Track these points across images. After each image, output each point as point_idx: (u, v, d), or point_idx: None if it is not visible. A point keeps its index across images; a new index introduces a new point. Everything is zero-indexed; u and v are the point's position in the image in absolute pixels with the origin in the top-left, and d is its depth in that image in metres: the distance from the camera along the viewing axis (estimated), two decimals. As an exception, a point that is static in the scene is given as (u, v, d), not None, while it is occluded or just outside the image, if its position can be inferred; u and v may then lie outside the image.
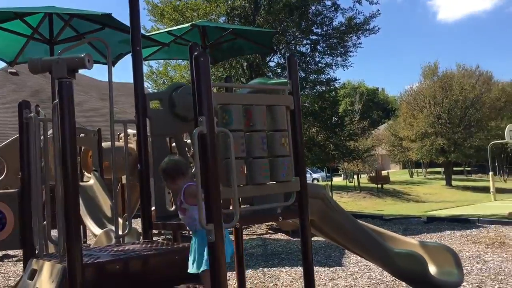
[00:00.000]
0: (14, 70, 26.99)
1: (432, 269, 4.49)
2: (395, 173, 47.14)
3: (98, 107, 24.98)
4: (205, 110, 2.74)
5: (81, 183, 10.85)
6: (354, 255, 6.31)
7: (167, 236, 9.39)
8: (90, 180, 10.97)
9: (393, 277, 5.49)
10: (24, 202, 3.68)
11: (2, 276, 7.29)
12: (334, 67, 19.72)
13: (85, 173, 11.44)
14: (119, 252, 3.48)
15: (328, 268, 6.65)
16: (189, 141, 7.28)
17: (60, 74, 3.05)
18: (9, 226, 3.68)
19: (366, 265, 6.59)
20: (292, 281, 6.02)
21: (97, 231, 9.01)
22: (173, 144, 6.79)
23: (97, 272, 3.08)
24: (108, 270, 3.12)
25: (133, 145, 6.65)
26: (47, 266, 3.27)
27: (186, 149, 5.28)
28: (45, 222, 3.72)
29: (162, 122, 4.41)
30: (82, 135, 11.06)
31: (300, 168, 4.09)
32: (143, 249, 3.55)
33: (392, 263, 4.41)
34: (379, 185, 33.64)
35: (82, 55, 3.00)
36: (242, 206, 4.30)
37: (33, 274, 3.38)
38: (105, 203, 10.22)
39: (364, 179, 37.27)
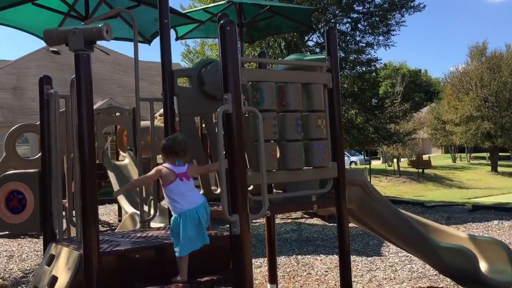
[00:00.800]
0: (55, 49, 27.44)
1: (483, 265, 4.08)
2: (437, 157, 45.73)
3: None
4: (231, 86, 2.43)
5: (116, 162, 10.84)
6: (393, 245, 5.95)
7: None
8: (125, 159, 10.96)
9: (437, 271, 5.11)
10: (45, 183, 3.50)
11: (36, 254, 7.32)
12: (375, 47, 19.05)
13: (121, 152, 11.43)
14: (141, 239, 3.26)
15: (366, 257, 6.29)
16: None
17: (77, 46, 2.79)
18: (29, 208, 3.52)
19: (407, 256, 6.20)
20: (327, 271, 5.71)
21: (131, 210, 8.97)
22: (203, 125, 6.52)
23: (115, 261, 2.87)
24: (127, 259, 2.90)
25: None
26: (64, 252, 3.09)
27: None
28: (66, 204, 3.54)
29: (190, 101, 4.14)
30: (117, 114, 11.02)
31: (338, 153, 3.75)
32: (166, 237, 3.32)
33: (438, 258, 4.03)
34: (420, 170, 32.66)
35: (100, 25, 2.74)
36: (275, 191, 4.01)
37: (51, 260, 3.22)
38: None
39: (404, 163, 36.28)
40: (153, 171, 3.03)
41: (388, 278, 5.21)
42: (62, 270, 2.94)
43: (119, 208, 10.77)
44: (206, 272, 3.05)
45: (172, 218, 2.97)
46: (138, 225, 4.22)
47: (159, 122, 10.98)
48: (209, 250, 3.14)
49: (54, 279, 2.99)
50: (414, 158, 35.76)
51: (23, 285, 5.48)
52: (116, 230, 4.98)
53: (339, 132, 3.77)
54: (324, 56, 3.82)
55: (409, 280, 5.13)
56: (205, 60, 4.38)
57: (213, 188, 4.29)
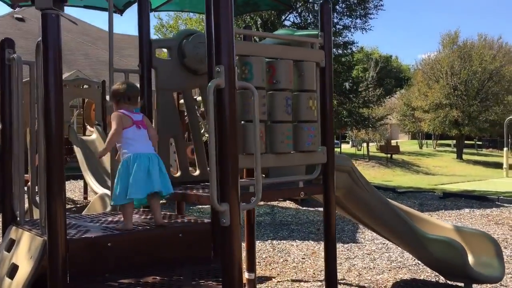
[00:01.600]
0: (20, 16, 26.17)
1: (469, 258, 3.95)
2: (404, 143, 46.44)
3: (105, 59, 24.25)
4: (225, 58, 2.12)
5: (82, 137, 10.35)
6: (369, 231, 5.81)
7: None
8: (92, 134, 10.48)
9: (416, 261, 4.99)
10: (5, 158, 3.13)
11: None
12: (352, 30, 18.86)
13: (88, 126, 10.94)
14: (113, 224, 2.95)
15: (342, 244, 6.15)
16: (198, 98, 6.69)
17: (45, 4, 2.42)
18: (-14, 186, 3.14)
19: (383, 244, 6.09)
20: (304, 258, 5.53)
21: (98, 188, 8.56)
22: (181, 101, 6.19)
23: (84, 250, 2.55)
24: (97, 248, 2.59)
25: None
26: (26, 237, 2.75)
27: (196, 107, 4.69)
28: (29, 183, 3.19)
29: (170, 74, 3.81)
30: (85, 86, 10.49)
31: (328, 137, 3.51)
32: (141, 222, 3.02)
33: (425, 250, 3.87)
34: (389, 155, 33.03)
35: (72, -19, 2.37)
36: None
37: (11, 245, 2.88)
38: (107, 160, 9.75)
39: (372, 147, 36.62)
40: (114, 119, 2.87)
41: (368, 268, 5.07)
42: (24, 258, 2.61)
43: (85, 184, 10.34)
44: (185, 262, 2.78)
45: (121, 164, 2.85)
46: (109, 208, 3.89)
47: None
48: (188, 239, 2.87)
49: (14, 268, 2.66)
50: (383, 143, 36.15)
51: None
52: (83, 212, 4.63)
53: (329, 114, 3.52)
54: (316, 32, 3.54)
55: (389, 270, 4.99)
56: (187, 31, 4.04)
57: (190, 169, 4.01)
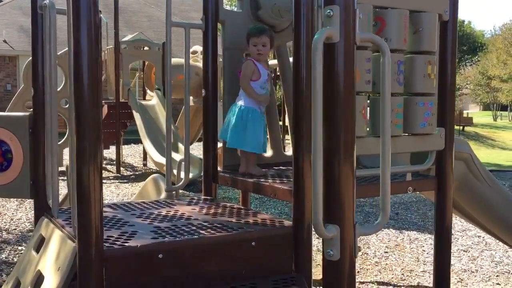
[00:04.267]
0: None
1: None
2: (475, 114, 43.51)
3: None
4: (341, -6, 1.31)
5: (142, 102, 9.90)
6: (459, 218, 4.93)
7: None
8: (152, 99, 10.00)
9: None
10: (38, 131, 2.53)
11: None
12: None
13: (148, 91, 10.47)
14: (166, 224, 2.28)
15: (429, 235, 5.28)
16: (274, 61, 5.81)
17: None
18: (17, 165, 2.56)
19: (479, 236, 5.18)
20: (387, 252, 4.74)
21: (157, 157, 8.09)
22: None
23: (125, 264, 1.90)
24: (143, 261, 1.93)
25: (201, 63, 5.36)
26: (56, 237, 2.14)
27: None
28: (67, 163, 2.56)
29: (240, 30, 3.04)
30: (146, 48, 9.96)
31: (448, 115, 2.64)
32: (202, 220, 2.33)
33: None
34: (460, 127, 30.89)
35: None
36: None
37: (40, 244, 2.28)
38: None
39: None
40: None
41: (469, 271, 4.20)
42: (51, 268, 2.00)
43: (144, 150, 9.94)
44: (257, 277, 2.08)
45: (239, 109, 2.81)
46: (163, 194, 3.25)
47: (191, 60, 9.92)
48: (262, 246, 2.16)
49: (40, 277, 2.07)
50: (455, 114, 33.90)
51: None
52: (134, 197, 4.04)
53: (451, 85, 2.65)
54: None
55: (497, 276, 4.10)
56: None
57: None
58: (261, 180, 2.65)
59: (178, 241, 2.03)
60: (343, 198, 1.33)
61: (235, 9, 3.26)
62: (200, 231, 2.17)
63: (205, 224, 2.29)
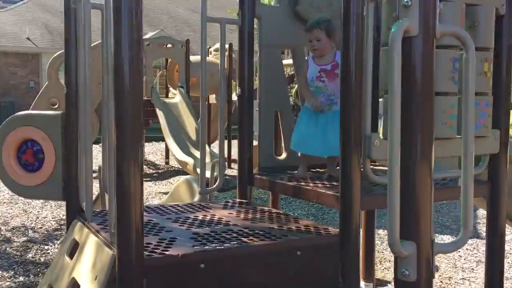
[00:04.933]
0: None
1: None
2: None
3: (190, 19, 23.76)
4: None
5: (165, 100, 9.83)
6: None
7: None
8: (175, 97, 9.93)
9: None
10: (71, 130, 2.43)
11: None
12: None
13: (171, 88, 10.40)
14: (205, 229, 2.16)
15: (479, 240, 5.06)
16: (287, 61, 5.64)
17: None
18: (48, 166, 2.47)
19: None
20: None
21: (180, 155, 7.99)
22: (284, 61, 5.14)
23: (166, 275, 1.78)
24: (185, 270, 1.81)
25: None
26: (92, 243, 2.03)
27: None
28: (98, 164, 2.46)
29: (277, 26, 2.90)
30: (169, 45, 9.90)
31: (503, 116, 2.48)
32: (242, 227, 2.21)
33: None
34: None
35: None
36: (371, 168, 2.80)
37: (74, 249, 2.18)
38: (190, 124, 9.14)
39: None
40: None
41: None
42: (87, 276, 1.89)
43: (167, 147, 9.87)
44: (301, 285, 1.95)
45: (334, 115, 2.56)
46: (197, 197, 3.14)
47: (214, 58, 9.81)
48: (307, 256, 2.03)
49: (74, 286, 1.96)
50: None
51: (55, 241, 4.63)
52: (166, 198, 3.93)
53: (506, 85, 2.48)
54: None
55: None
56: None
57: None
58: (302, 183, 2.52)
59: (221, 250, 1.90)
60: (420, 210, 1.19)
61: (272, 4, 3.12)
62: (242, 238, 2.04)
63: (246, 230, 2.16)
